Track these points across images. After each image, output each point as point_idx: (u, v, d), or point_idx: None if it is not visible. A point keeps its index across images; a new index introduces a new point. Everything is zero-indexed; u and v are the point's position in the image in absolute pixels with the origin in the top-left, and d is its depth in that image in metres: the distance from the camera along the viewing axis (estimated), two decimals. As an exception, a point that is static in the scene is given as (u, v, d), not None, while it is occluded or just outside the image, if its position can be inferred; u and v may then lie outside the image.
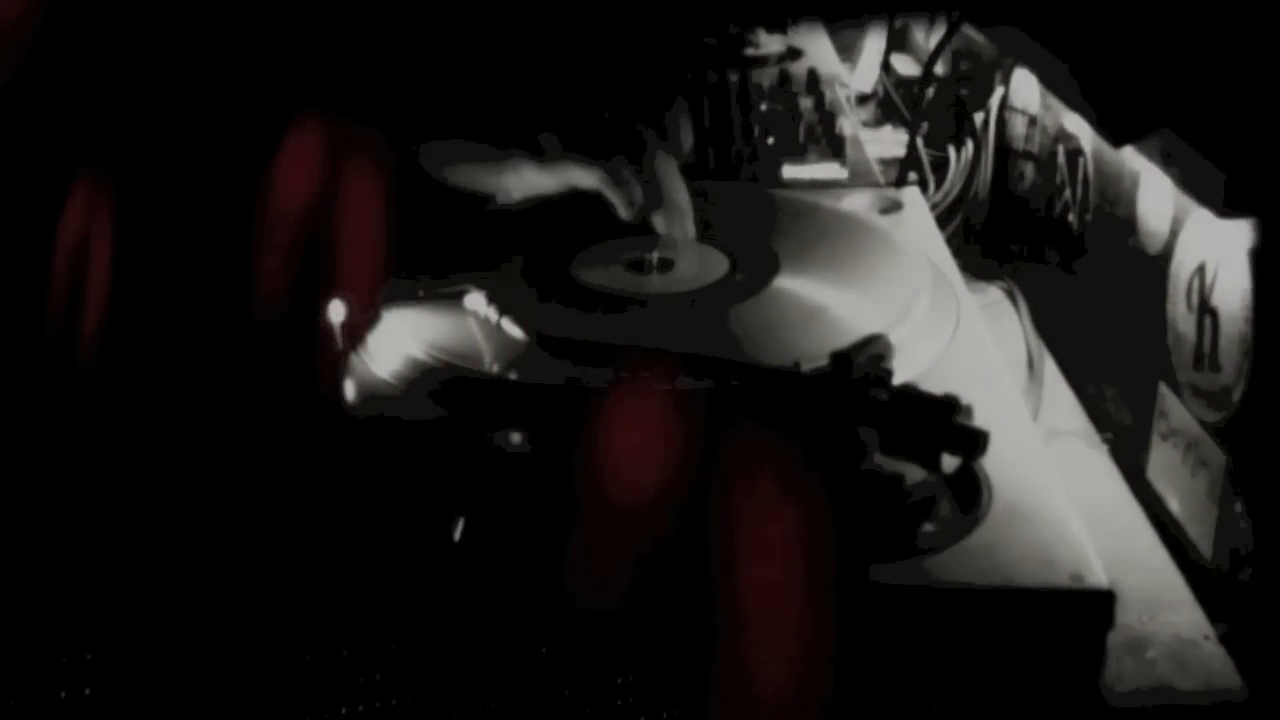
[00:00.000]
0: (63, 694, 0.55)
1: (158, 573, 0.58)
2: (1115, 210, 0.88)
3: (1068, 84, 0.79)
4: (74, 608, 0.57)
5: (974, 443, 0.60)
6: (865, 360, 0.65)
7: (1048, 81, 0.92)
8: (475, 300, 0.76)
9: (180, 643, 0.57)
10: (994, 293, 1.05)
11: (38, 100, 0.69)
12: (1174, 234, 0.77)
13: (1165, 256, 0.78)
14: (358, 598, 0.58)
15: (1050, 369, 0.95)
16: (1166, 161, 0.70)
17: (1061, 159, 0.99)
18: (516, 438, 0.67)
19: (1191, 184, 0.68)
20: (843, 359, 0.64)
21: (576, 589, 0.57)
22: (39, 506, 0.61)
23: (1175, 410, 0.76)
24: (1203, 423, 0.73)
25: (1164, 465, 0.78)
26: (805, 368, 0.67)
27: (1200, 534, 0.73)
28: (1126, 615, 0.68)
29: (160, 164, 0.72)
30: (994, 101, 1.13)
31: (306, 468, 0.64)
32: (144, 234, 0.70)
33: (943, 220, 1.09)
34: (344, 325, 0.75)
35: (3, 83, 0.68)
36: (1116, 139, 0.72)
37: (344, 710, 0.56)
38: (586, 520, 0.59)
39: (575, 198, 0.96)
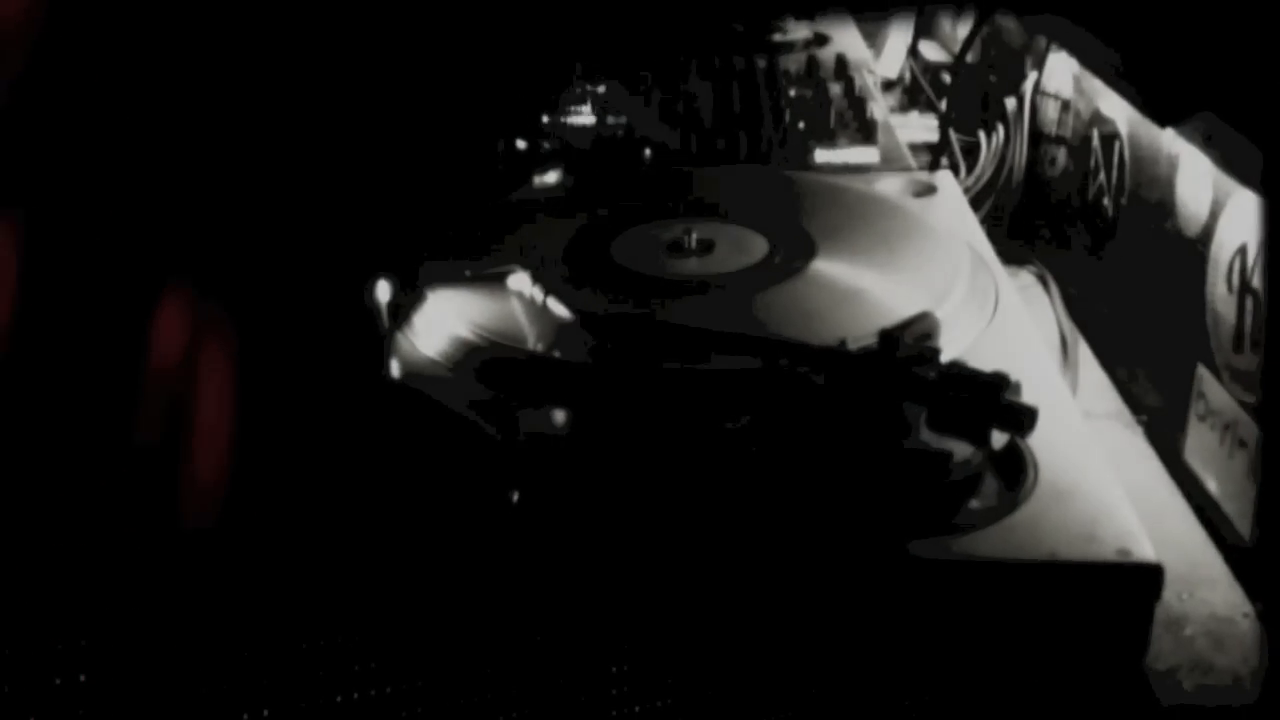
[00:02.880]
0: (58, 680, 0.55)
1: (154, 559, 0.59)
2: (1151, 194, 0.88)
3: (1109, 66, 0.80)
4: (69, 593, 0.57)
5: (1023, 419, 0.61)
6: (912, 339, 0.66)
7: (1088, 64, 0.92)
8: (519, 280, 0.77)
9: (177, 629, 0.57)
10: (1025, 277, 1.06)
11: None
12: (1214, 216, 0.78)
13: (1204, 239, 0.79)
14: (351, 585, 0.59)
15: (1083, 352, 0.96)
16: (1208, 144, 0.70)
17: (1096, 143, 0.99)
18: (559, 417, 0.68)
19: (1235, 166, 0.68)
20: (890, 337, 0.65)
21: None
22: (33, 491, 0.61)
23: (1213, 391, 0.77)
24: (1242, 403, 0.74)
25: (1201, 446, 0.79)
26: (851, 347, 0.67)
27: (1238, 513, 0.74)
28: (1164, 593, 0.69)
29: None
30: (1027, 86, 1.13)
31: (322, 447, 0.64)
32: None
33: (974, 205, 1.09)
34: (389, 305, 0.76)
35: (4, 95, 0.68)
36: (1162, 120, 0.73)
37: (338, 698, 0.56)
38: None
39: (613, 179, 0.97)
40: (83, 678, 0.55)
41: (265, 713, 0.56)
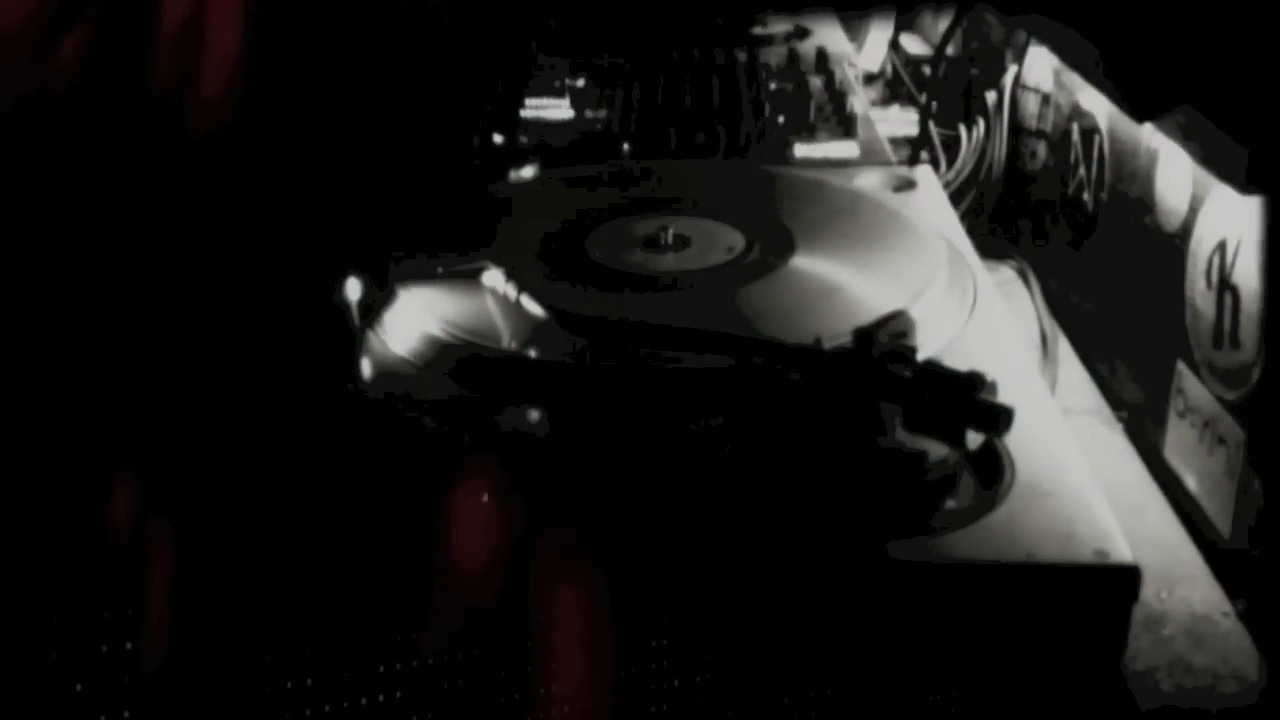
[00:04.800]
0: (104, 648, 0.56)
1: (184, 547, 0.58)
2: (1131, 188, 0.88)
3: (1090, 61, 0.79)
4: (116, 566, 0.58)
5: (999, 419, 0.60)
6: (888, 337, 0.65)
7: (1067, 59, 0.91)
8: (493, 278, 0.76)
9: (215, 605, 0.58)
10: (1005, 272, 1.05)
11: None
12: (1193, 211, 0.77)
13: (1183, 234, 0.78)
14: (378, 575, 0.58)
15: (1063, 348, 0.95)
16: (1187, 138, 0.70)
17: (1076, 137, 0.99)
18: (534, 415, 0.67)
19: (1213, 161, 0.68)
20: (865, 335, 0.64)
21: None
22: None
23: (1192, 388, 0.77)
24: (1221, 400, 0.73)
25: (1180, 443, 0.78)
26: (826, 345, 0.66)
27: (1217, 511, 0.73)
28: (1143, 592, 0.68)
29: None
30: (1007, 80, 1.13)
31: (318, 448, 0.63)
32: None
33: (954, 199, 1.09)
34: (360, 303, 0.75)
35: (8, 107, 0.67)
36: (1140, 115, 0.72)
37: (380, 668, 0.56)
38: None
39: (589, 177, 0.96)
40: (128, 645, 0.56)
41: (308, 681, 0.56)
